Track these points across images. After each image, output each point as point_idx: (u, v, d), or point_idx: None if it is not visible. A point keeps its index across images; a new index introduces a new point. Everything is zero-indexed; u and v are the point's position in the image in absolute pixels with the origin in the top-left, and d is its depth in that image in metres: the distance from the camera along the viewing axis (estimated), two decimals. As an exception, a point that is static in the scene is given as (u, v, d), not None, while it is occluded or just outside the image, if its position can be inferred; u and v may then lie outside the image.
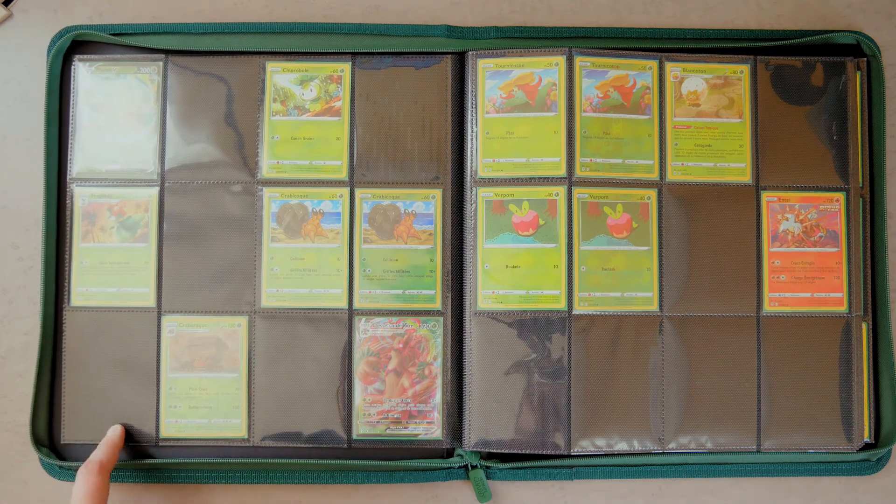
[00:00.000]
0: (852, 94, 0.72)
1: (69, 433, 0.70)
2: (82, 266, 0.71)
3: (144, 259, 0.71)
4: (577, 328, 0.70)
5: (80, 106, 0.72)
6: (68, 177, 0.72)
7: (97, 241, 0.71)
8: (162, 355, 0.71)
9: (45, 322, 0.70)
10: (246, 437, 0.70)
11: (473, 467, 0.70)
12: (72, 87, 0.72)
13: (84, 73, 0.72)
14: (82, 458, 0.69)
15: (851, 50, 0.73)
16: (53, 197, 0.71)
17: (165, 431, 0.70)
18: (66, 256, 0.71)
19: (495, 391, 0.70)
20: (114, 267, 0.71)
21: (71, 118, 0.72)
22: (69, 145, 0.72)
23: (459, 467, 0.71)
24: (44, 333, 0.70)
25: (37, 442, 0.70)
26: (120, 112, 0.72)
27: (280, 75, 0.72)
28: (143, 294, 0.71)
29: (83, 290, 0.71)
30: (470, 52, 0.72)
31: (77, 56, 0.72)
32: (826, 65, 0.72)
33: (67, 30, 0.73)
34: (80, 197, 0.71)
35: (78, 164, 0.72)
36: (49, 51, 0.72)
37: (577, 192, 0.70)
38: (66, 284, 0.71)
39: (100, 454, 0.66)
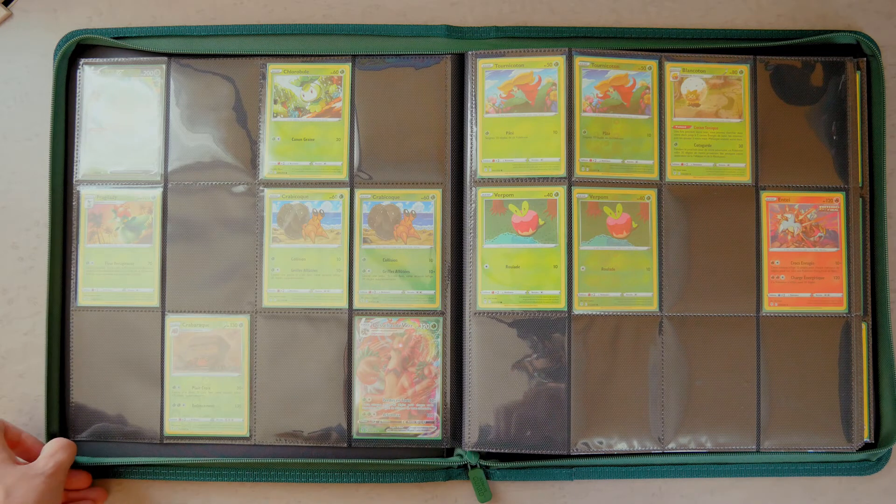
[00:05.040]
0: (852, 93, 0.72)
1: (77, 430, 0.71)
2: (88, 266, 0.72)
3: (149, 259, 0.72)
4: (576, 328, 0.70)
5: (86, 108, 0.73)
6: (74, 178, 0.72)
7: (103, 241, 0.72)
8: (166, 354, 0.71)
9: (52, 322, 0.71)
10: (247, 435, 0.71)
11: (473, 467, 0.70)
12: (78, 89, 0.73)
13: (90, 75, 0.73)
14: (88, 455, 0.70)
15: (851, 50, 0.73)
16: (60, 198, 0.72)
17: (170, 429, 0.71)
18: (73, 257, 0.72)
19: (495, 391, 0.70)
20: (119, 267, 0.72)
21: (77, 120, 0.73)
22: (75, 147, 0.73)
23: (459, 467, 0.71)
24: (50, 333, 0.71)
25: (52, 437, 0.70)
26: (124, 114, 0.73)
27: (281, 76, 0.73)
28: (147, 294, 0.72)
29: (89, 291, 0.72)
30: (469, 52, 0.72)
31: (83, 60, 0.73)
32: (826, 65, 0.72)
33: (73, 34, 0.73)
34: (86, 198, 0.72)
35: (84, 165, 0.72)
36: (55, 54, 0.73)
37: (576, 192, 0.70)
38: (72, 285, 0.72)
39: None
